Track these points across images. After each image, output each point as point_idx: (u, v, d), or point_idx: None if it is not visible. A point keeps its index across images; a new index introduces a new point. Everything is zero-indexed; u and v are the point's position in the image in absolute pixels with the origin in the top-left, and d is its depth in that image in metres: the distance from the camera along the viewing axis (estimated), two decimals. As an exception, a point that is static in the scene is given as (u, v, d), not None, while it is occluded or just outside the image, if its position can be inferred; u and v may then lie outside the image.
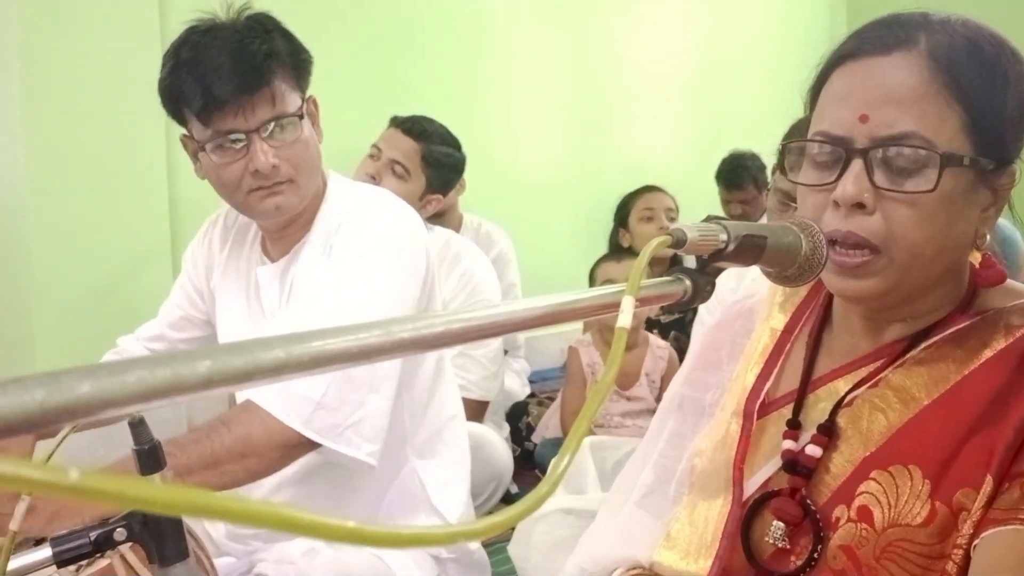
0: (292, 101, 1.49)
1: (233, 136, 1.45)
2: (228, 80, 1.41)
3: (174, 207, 2.77)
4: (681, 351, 2.78)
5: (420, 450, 1.64)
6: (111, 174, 2.62)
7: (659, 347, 2.90)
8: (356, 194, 1.60)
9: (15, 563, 0.76)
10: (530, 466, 2.92)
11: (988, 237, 0.88)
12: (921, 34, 0.83)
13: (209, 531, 1.61)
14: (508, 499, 2.61)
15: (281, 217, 1.54)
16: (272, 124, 1.46)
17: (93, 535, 0.78)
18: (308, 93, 1.55)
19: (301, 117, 1.49)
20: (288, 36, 1.52)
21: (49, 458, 0.99)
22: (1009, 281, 0.92)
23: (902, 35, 0.83)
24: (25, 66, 2.50)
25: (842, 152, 0.83)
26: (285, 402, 1.34)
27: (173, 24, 2.84)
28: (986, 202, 0.85)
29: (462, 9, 3.73)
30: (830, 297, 0.98)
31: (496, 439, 2.68)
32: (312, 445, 1.37)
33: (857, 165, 0.82)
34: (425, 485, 1.62)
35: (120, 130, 2.64)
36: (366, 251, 1.48)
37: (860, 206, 0.81)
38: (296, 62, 1.51)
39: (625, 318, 0.55)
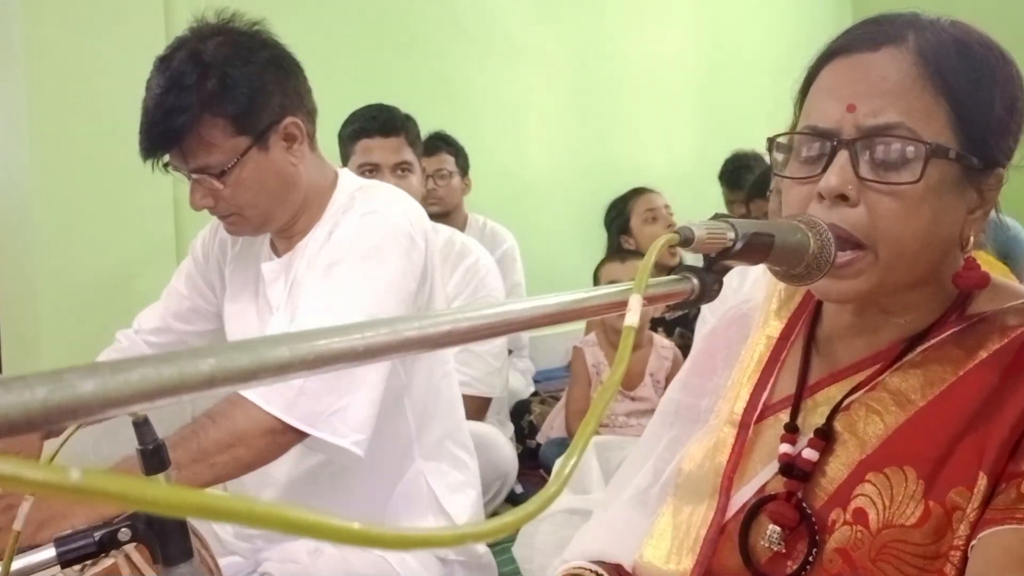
0: (222, 149, 1.43)
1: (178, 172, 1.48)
2: (145, 134, 1.45)
3: (178, 204, 2.77)
4: (686, 348, 2.77)
5: (427, 452, 1.62)
6: (115, 171, 2.62)
7: (663, 347, 2.90)
8: (360, 189, 1.59)
9: (19, 563, 0.76)
10: (534, 465, 2.91)
11: (973, 240, 0.87)
12: (910, 32, 0.83)
13: (216, 530, 1.61)
14: (512, 498, 2.61)
15: (245, 236, 1.58)
16: (195, 174, 1.46)
17: (97, 535, 0.78)
18: (288, 119, 1.48)
19: (228, 168, 1.44)
20: (227, 76, 1.42)
21: (54, 456, 0.99)
22: (1007, 282, 0.91)
23: (891, 32, 0.84)
24: (31, 65, 2.50)
25: (828, 146, 0.83)
26: (267, 390, 1.33)
27: (178, 22, 2.85)
28: (972, 204, 0.85)
29: (467, 9, 3.73)
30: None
31: (501, 438, 2.67)
32: (299, 433, 1.35)
33: (842, 157, 0.81)
34: (433, 488, 1.61)
35: (124, 127, 2.61)
36: (362, 242, 1.46)
37: (844, 198, 0.81)
38: (238, 105, 1.42)
39: (633, 317, 0.54)
